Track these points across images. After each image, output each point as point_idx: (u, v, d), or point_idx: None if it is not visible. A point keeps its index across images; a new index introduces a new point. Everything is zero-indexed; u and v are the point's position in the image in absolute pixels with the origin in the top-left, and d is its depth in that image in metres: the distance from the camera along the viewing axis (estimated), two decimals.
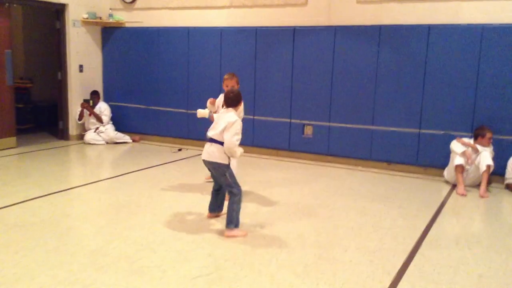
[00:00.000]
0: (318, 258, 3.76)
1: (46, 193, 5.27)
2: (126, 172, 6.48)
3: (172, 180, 6.06)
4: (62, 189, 5.47)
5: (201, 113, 5.11)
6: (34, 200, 5.04)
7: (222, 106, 4.43)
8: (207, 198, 4.67)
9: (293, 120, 7.52)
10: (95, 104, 8.69)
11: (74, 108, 8.67)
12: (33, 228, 4.22)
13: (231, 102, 4.28)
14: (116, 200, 5.16)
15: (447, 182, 6.26)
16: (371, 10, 6.86)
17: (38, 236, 4.04)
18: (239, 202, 4.22)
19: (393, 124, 6.81)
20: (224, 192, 4.49)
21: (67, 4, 8.31)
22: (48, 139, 8.77)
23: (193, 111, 8.26)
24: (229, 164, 4.26)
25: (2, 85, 7.57)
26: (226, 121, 4.13)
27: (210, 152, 4.21)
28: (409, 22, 6.63)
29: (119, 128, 8.92)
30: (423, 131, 6.63)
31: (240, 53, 7.76)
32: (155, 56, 8.58)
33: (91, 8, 8.68)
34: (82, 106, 8.57)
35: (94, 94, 8.73)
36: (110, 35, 8.99)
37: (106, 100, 9.13)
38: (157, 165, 6.92)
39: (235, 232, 4.17)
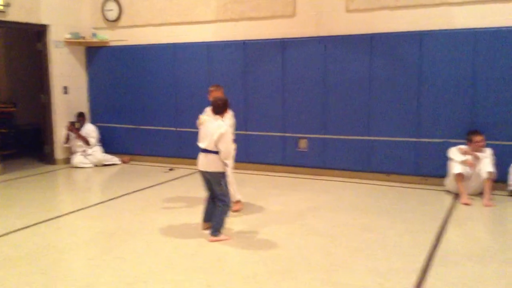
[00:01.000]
0: (326, 284, 3.51)
1: (30, 224, 4.97)
2: (116, 196, 6.19)
3: (164, 203, 5.80)
4: (47, 218, 5.16)
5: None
6: (18, 232, 4.73)
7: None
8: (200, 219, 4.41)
9: (286, 134, 7.30)
10: (81, 126, 8.41)
11: (59, 131, 8.37)
12: (17, 264, 3.92)
13: (220, 109, 4.47)
14: (105, 227, 4.87)
15: (448, 191, 6.05)
16: (361, 18, 6.70)
17: (22, 272, 3.75)
18: (228, 211, 4.48)
19: (390, 134, 6.62)
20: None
21: (49, 25, 8.06)
22: (33, 164, 8.45)
23: (183, 129, 8.08)
24: (225, 172, 4.43)
25: None
26: (217, 132, 4.30)
27: (207, 162, 4.39)
28: (401, 29, 6.47)
29: (107, 149, 8.63)
30: (421, 139, 6.45)
31: (229, 67, 7.55)
32: (142, 74, 8.34)
33: (73, 28, 8.43)
34: (68, 128, 8.28)
35: (80, 116, 8.45)
36: (95, 54, 8.75)
37: (93, 121, 8.86)
38: (148, 187, 6.64)
39: (220, 237, 4.39)
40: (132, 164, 8.43)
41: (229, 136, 4.43)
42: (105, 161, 8.31)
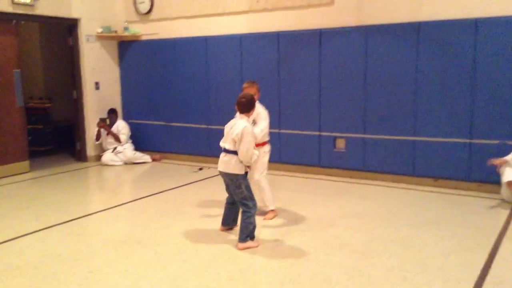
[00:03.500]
0: None
1: (42, 227, 4.69)
2: (138, 197, 5.86)
3: (186, 206, 5.40)
4: (61, 221, 4.88)
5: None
6: (26, 236, 4.47)
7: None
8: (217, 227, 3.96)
9: (323, 133, 6.72)
10: (112, 123, 8.18)
11: (91, 128, 8.18)
12: (14, 274, 3.63)
13: (243, 107, 4.14)
14: (117, 233, 4.52)
15: (504, 201, 5.30)
16: (408, 5, 6.00)
17: (18, 284, 3.44)
18: (253, 217, 4.08)
19: (439, 134, 5.91)
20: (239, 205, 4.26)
21: (80, 19, 7.86)
22: (66, 161, 8.31)
23: (214, 126, 7.67)
24: (245, 174, 4.10)
25: (11, 107, 7.14)
26: (238, 132, 3.98)
27: (225, 162, 4.08)
28: (452, 16, 5.73)
29: (139, 147, 8.38)
30: (475, 141, 5.69)
31: (262, 61, 7.05)
32: (173, 69, 8.00)
33: (105, 22, 8.20)
34: (99, 125, 8.07)
35: (111, 113, 8.22)
36: (127, 49, 8.49)
37: (125, 118, 8.63)
38: (173, 188, 6.27)
39: (248, 244, 4.05)
40: (163, 162, 8.11)
41: (250, 137, 4.02)
42: (135, 159, 8.04)
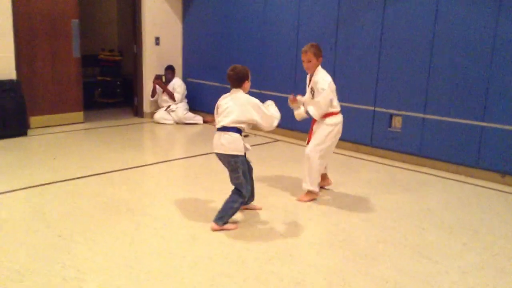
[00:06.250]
0: None
1: (46, 182, 4.58)
2: (164, 160, 5.62)
3: (202, 175, 5.02)
4: (66, 178, 4.72)
5: (300, 114, 4.36)
6: (23, 190, 4.36)
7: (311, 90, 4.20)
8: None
9: (377, 108, 5.88)
10: (168, 80, 7.98)
11: (149, 84, 8.06)
12: None
13: (232, 81, 3.73)
14: (115, 197, 4.27)
15: None
16: None
17: None
18: (240, 204, 3.65)
19: None
20: (253, 180, 3.88)
21: None
22: (125, 115, 8.35)
23: (267, 92, 7.11)
24: (245, 156, 3.64)
25: (68, 57, 7.19)
26: (245, 106, 3.58)
27: (223, 143, 3.58)
28: None
29: (195, 107, 8.13)
30: None
31: (319, 23, 6.30)
32: (231, 28, 7.52)
33: None
34: (154, 82, 7.92)
35: (168, 69, 8.00)
36: (191, 3, 8.14)
37: (184, 76, 8.40)
38: (205, 154, 5.92)
39: (226, 226, 3.61)
40: (215, 125, 7.76)
41: (260, 106, 3.63)
42: (186, 119, 7.80)
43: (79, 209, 3.96)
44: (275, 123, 3.69)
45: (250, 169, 3.81)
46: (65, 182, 4.65)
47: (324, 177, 4.54)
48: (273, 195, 4.45)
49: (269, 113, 3.65)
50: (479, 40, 4.94)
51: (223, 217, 3.59)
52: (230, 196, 3.66)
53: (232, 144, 3.56)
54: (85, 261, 3.05)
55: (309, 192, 4.27)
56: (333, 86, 4.17)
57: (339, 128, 4.27)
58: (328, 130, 4.20)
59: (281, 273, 2.98)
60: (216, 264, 3.08)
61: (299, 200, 4.27)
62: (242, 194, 3.64)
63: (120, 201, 4.17)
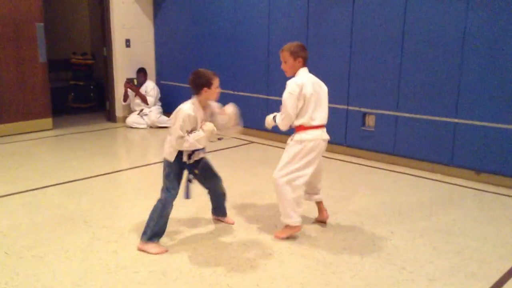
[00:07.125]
0: None
1: (2, 194, 4.35)
2: (133, 166, 5.45)
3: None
4: (25, 189, 4.50)
5: (268, 120, 3.63)
6: None
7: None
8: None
9: (350, 107, 5.73)
10: (141, 83, 7.77)
11: (121, 87, 7.85)
12: None
13: (191, 87, 3.36)
14: (70, 209, 4.05)
15: None
16: None
17: None
18: (161, 211, 3.28)
19: (486, 117, 4.69)
20: (220, 192, 3.68)
21: None
22: (96, 120, 8.13)
23: (240, 93, 6.95)
24: (174, 163, 3.30)
25: (33, 63, 6.95)
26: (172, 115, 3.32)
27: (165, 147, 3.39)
28: None
29: (169, 110, 7.90)
30: None
31: (289, 20, 6.14)
32: (203, 28, 7.34)
33: None
34: (125, 86, 7.71)
35: (140, 72, 7.79)
36: (162, 4, 7.94)
37: (158, 79, 8.20)
38: None
39: (147, 246, 3.25)
40: None
41: (179, 122, 3.20)
42: (160, 123, 7.60)
43: (32, 223, 3.76)
44: (179, 142, 3.24)
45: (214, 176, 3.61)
46: (22, 193, 4.44)
47: (319, 208, 3.79)
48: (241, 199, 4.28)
49: (173, 129, 3.26)
50: (450, 32, 4.81)
51: (146, 231, 3.27)
52: (154, 207, 3.33)
53: (166, 149, 3.39)
54: (28, 281, 2.85)
55: (287, 227, 3.50)
56: (308, 91, 3.35)
57: (311, 147, 3.36)
58: (296, 149, 3.37)
59: (240, 285, 2.81)
60: (170, 279, 2.90)
61: (275, 237, 3.50)
62: (161, 197, 3.32)
63: (78, 212, 3.98)
